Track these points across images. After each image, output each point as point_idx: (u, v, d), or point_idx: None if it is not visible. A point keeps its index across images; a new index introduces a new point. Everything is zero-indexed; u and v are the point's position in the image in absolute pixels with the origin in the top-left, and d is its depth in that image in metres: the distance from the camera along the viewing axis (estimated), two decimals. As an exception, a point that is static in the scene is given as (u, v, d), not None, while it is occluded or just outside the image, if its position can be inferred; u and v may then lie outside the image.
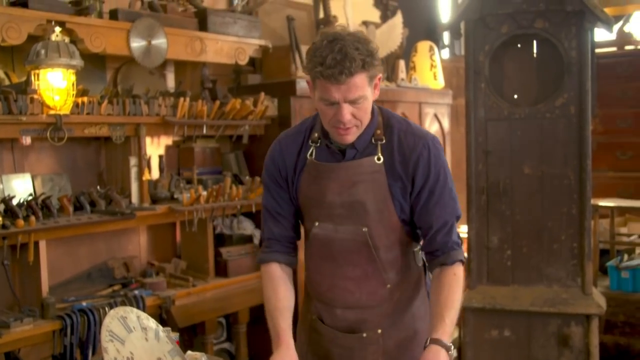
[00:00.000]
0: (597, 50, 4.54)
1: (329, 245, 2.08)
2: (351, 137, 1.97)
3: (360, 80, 1.86)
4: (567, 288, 3.58)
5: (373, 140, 2.03)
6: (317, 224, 2.08)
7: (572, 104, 3.57)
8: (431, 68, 5.63)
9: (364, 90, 1.89)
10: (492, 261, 3.73)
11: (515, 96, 3.84)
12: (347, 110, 1.89)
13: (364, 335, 2.10)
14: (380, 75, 1.97)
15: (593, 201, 3.91)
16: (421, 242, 2.14)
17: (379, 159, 2.01)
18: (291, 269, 2.19)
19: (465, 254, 4.13)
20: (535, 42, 3.79)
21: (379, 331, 2.11)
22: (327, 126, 1.98)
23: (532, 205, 3.67)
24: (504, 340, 3.61)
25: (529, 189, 3.68)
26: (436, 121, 5.47)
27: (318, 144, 2.07)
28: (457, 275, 2.02)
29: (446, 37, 6.75)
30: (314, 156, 2.07)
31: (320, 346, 2.19)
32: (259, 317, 4.15)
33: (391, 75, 5.27)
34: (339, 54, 1.83)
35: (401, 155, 2.01)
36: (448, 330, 1.89)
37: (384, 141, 2.02)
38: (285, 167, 2.11)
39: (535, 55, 3.82)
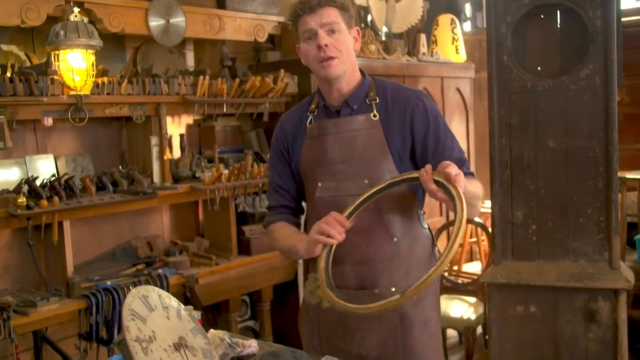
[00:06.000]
0: (623, 19, 4.42)
1: (333, 204, 2.10)
2: (335, 69, 2.07)
3: (333, 13, 2.05)
4: (594, 263, 3.52)
5: (367, 101, 2.14)
6: (320, 184, 2.15)
7: (597, 75, 3.49)
8: (453, 41, 5.54)
9: (338, 21, 2.06)
10: (517, 236, 3.68)
11: (539, 68, 3.76)
12: (323, 35, 2.05)
13: (376, 291, 2.10)
14: (358, 29, 2.16)
15: (620, 174, 3.83)
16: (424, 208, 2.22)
17: (374, 115, 2.12)
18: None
19: (490, 229, 4.13)
20: (558, 12, 3.70)
21: (392, 289, 2.09)
22: (313, 64, 2.10)
23: (557, 179, 3.61)
24: (530, 316, 3.57)
25: (553, 163, 3.61)
26: (459, 95, 5.40)
27: (316, 113, 2.19)
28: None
29: (468, 9, 6.63)
30: (313, 121, 2.19)
31: (333, 325, 2.18)
32: (282, 294, 4.17)
33: (412, 50, 5.20)
34: None
35: (397, 110, 2.12)
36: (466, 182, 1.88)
37: (377, 100, 2.13)
38: (287, 140, 2.24)
39: (558, 25, 3.73)
